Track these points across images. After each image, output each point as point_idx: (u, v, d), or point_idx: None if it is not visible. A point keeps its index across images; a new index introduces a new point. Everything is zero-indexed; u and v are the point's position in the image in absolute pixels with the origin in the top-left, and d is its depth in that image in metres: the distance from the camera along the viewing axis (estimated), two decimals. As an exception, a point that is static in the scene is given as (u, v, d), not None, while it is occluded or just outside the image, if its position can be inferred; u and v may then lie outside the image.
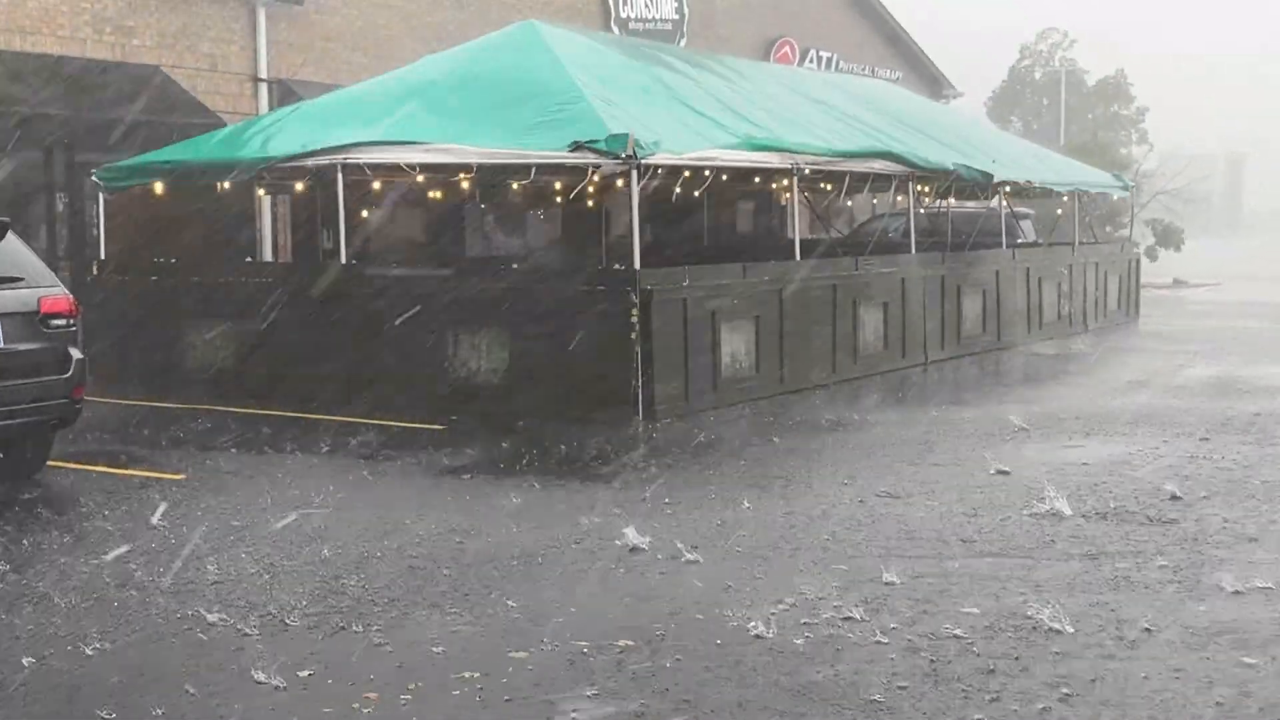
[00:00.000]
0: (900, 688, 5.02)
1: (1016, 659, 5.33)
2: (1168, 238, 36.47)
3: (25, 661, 5.45)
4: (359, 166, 12.90)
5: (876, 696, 4.94)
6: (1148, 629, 5.70)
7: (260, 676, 5.21)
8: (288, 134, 13.66)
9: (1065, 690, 4.97)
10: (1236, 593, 6.23)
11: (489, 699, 4.99)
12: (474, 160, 12.54)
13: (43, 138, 15.07)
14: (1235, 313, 24.87)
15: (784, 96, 17.45)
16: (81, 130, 15.24)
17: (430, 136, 12.61)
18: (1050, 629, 5.67)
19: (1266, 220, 78.57)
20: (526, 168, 12.74)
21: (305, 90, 17.56)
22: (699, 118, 14.06)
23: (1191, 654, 5.38)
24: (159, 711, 4.88)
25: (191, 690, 5.10)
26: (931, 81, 34.06)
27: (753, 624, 5.76)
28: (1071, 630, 5.65)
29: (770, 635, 5.63)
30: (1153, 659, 5.33)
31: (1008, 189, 18.81)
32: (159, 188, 14.01)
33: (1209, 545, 7.19)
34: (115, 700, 5.01)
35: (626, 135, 11.42)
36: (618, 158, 11.44)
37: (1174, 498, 8.29)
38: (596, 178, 12.32)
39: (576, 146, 11.66)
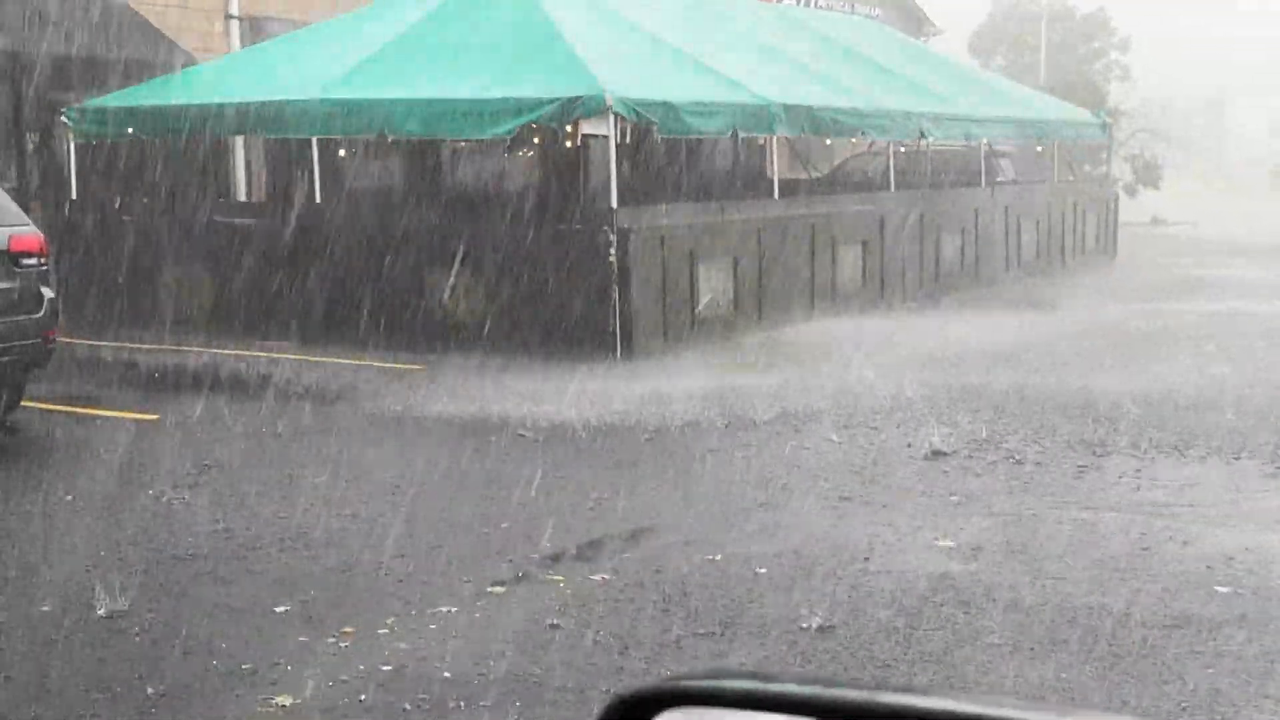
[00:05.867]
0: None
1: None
2: (1146, 174, 36.36)
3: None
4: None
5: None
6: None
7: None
8: (259, 76, 13.48)
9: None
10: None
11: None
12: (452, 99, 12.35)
13: (11, 75, 14.83)
14: (1208, 249, 24.96)
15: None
16: (50, 68, 15.00)
17: (405, 80, 12.44)
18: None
19: (1248, 161, 78.64)
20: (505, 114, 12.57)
21: (277, 27, 17.31)
22: (669, 59, 13.95)
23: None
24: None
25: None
26: (912, 18, 33.77)
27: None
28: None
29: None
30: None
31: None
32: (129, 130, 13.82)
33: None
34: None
35: (602, 96, 11.29)
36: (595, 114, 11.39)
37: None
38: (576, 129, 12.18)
39: (563, 115, 11.52)
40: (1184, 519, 6.55)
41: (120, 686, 4.62)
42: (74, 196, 14.06)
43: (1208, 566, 5.74)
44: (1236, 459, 7.78)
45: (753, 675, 1.38)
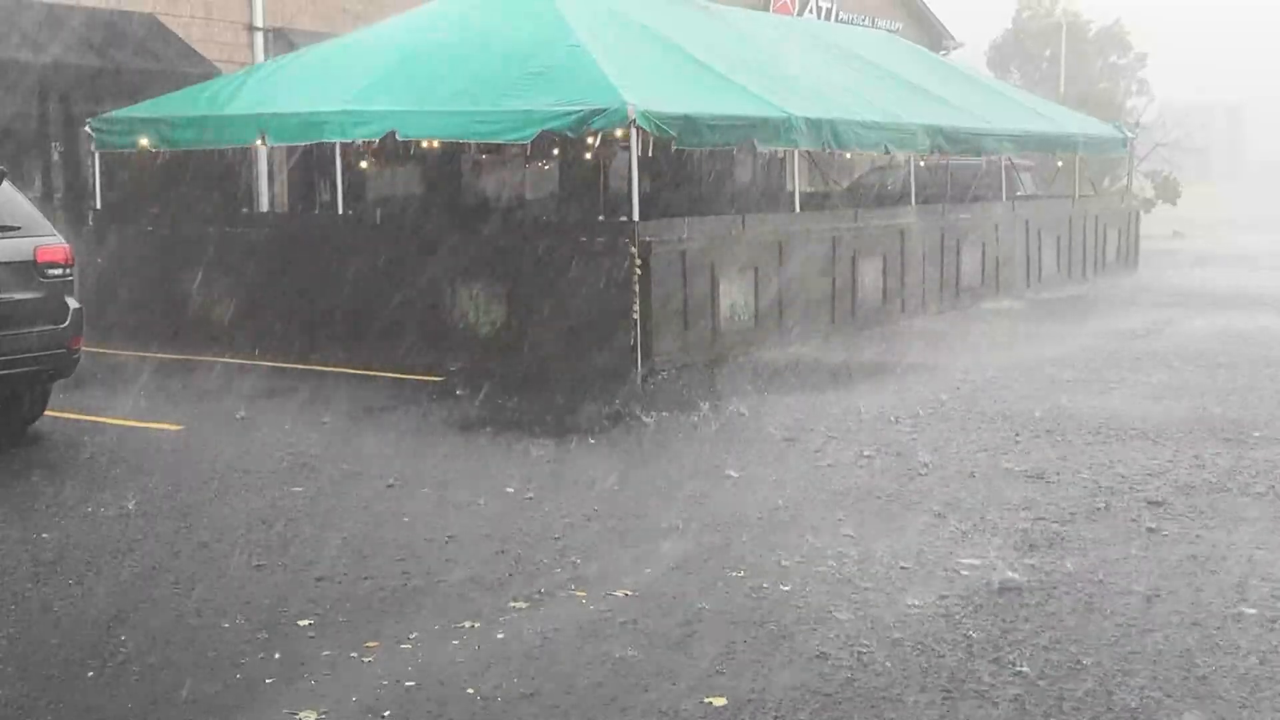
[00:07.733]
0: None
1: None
2: (1166, 191, 36.28)
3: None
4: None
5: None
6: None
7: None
8: (283, 88, 13.55)
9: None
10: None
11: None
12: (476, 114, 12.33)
13: (38, 86, 14.93)
14: (1230, 263, 24.83)
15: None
16: (76, 79, 15.10)
17: (427, 91, 12.49)
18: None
19: (1265, 168, 78.38)
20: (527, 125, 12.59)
21: (301, 39, 17.40)
22: (693, 72, 13.97)
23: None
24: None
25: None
26: (932, 32, 33.74)
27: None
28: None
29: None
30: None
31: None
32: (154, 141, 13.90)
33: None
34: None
35: (625, 109, 11.29)
36: (618, 126, 11.39)
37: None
38: (595, 141, 12.20)
39: (583, 125, 11.51)
40: None
41: (141, 701, 4.63)
42: (98, 206, 14.15)
43: None
44: None
45: None
